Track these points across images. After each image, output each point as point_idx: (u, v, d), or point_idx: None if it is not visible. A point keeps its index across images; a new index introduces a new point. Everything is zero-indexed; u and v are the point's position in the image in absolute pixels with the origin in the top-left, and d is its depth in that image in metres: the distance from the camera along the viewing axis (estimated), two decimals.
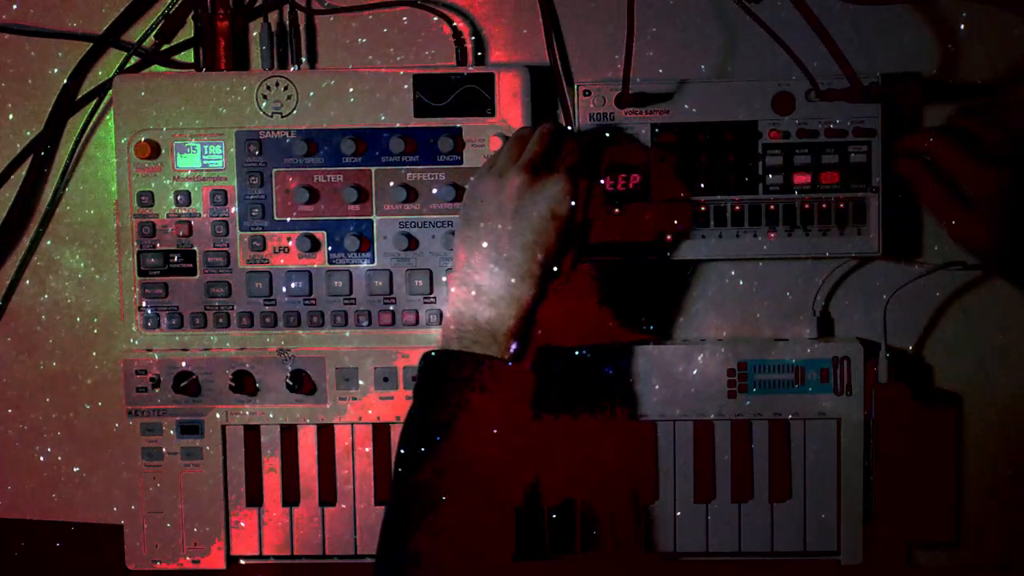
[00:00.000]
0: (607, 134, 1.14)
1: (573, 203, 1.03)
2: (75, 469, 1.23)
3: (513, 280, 1.02)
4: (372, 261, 1.16)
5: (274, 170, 1.16)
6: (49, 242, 1.22)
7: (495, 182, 1.04)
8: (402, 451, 1.00)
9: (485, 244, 1.03)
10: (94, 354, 1.22)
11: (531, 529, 1.15)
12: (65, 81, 1.20)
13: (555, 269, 1.04)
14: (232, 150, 1.16)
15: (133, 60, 1.19)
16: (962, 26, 1.15)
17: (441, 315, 1.15)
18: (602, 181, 1.13)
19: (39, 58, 1.20)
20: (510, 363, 1.01)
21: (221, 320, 1.17)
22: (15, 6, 1.20)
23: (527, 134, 1.08)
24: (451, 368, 1.01)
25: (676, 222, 1.14)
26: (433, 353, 1.03)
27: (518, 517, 1.13)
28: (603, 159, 1.13)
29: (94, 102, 1.20)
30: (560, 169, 1.05)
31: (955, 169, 1.08)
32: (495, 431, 0.99)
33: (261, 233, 1.17)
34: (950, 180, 1.08)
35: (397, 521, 0.98)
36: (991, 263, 1.12)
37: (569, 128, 1.14)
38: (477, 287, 1.03)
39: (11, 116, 1.21)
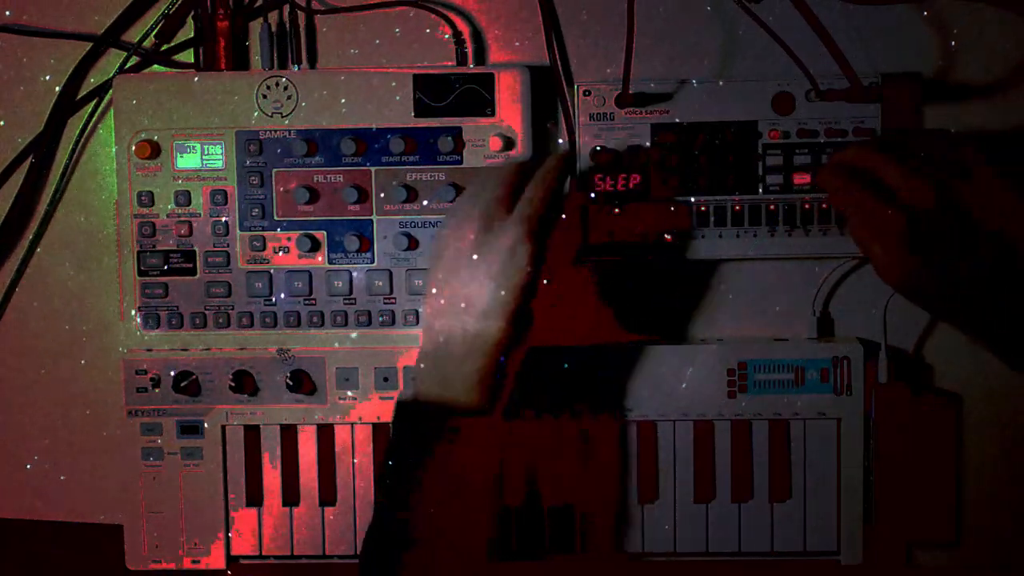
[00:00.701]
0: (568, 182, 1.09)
1: (532, 267, 0.98)
2: (75, 470, 1.23)
3: (477, 329, 0.98)
4: (372, 261, 1.16)
5: (274, 170, 1.16)
6: (40, 250, 1.22)
7: (455, 227, 1.00)
8: (379, 487, 1.00)
9: (446, 290, 1.00)
10: (93, 355, 1.22)
11: (529, 529, 1.15)
12: (64, 82, 1.20)
13: (517, 336, 1.00)
14: (232, 150, 1.16)
15: (133, 60, 1.19)
16: (961, 26, 1.15)
17: None
18: (566, 214, 1.09)
19: (38, 59, 1.20)
20: (478, 414, 0.99)
21: (221, 320, 1.17)
22: (8, 12, 1.20)
23: (516, 168, 1.04)
24: (418, 419, 1.00)
25: (675, 222, 1.14)
26: (402, 401, 1.01)
27: (517, 517, 1.14)
28: (568, 200, 1.10)
29: (94, 102, 1.20)
30: (520, 223, 0.99)
31: (862, 212, 0.98)
32: (461, 482, 0.98)
33: (261, 233, 1.17)
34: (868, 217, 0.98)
35: (376, 550, 0.99)
36: (910, 299, 1.01)
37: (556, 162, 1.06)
38: (444, 334, 0.99)
39: (2, 122, 1.21)
